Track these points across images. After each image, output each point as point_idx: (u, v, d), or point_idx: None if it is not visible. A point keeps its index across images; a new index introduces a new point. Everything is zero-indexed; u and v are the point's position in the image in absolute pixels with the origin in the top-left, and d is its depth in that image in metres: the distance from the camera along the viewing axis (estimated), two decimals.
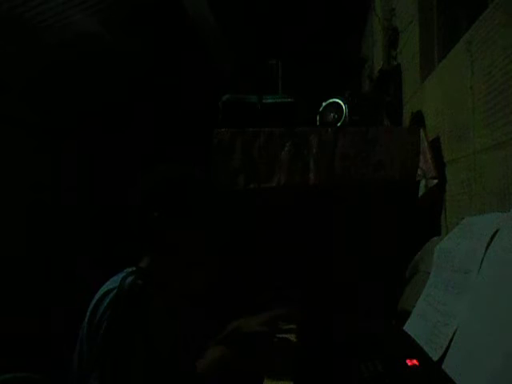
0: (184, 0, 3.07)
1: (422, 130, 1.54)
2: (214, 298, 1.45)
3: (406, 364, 0.84)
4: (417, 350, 0.89)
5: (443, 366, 0.79)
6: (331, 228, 1.59)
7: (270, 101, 1.71)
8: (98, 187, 3.52)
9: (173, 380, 0.96)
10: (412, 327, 1.02)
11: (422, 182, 1.52)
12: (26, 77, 2.94)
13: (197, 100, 3.56)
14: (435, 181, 1.46)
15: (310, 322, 1.24)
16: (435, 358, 0.82)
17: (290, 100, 1.72)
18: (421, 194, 1.53)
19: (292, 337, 1.21)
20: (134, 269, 1.01)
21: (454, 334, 0.80)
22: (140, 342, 0.88)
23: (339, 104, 1.72)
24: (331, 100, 1.75)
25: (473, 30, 1.20)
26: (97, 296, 0.96)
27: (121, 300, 0.91)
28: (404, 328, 1.04)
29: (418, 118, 1.76)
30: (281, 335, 1.21)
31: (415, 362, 0.84)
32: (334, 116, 1.72)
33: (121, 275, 0.97)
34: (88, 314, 0.94)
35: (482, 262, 0.82)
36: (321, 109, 1.77)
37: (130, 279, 0.94)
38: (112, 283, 0.96)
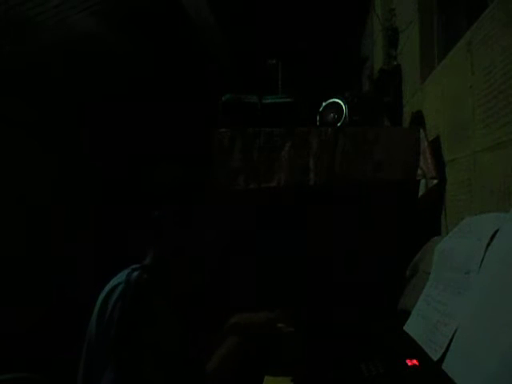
0: (184, 0, 3.07)
1: (421, 130, 1.54)
2: (214, 297, 1.45)
3: (406, 364, 0.84)
4: (417, 350, 0.89)
5: (443, 366, 0.79)
6: (331, 228, 1.59)
7: (269, 101, 1.71)
8: (98, 187, 3.52)
9: (183, 370, 0.97)
10: (412, 327, 1.02)
11: (422, 182, 1.52)
12: (25, 77, 2.94)
13: (197, 100, 3.56)
14: (435, 181, 1.46)
15: (310, 322, 1.25)
16: (435, 358, 0.82)
17: (290, 100, 1.72)
18: (421, 194, 1.53)
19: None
20: (138, 266, 1.03)
21: (454, 334, 0.80)
22: (151, 332, 0.91)
23: (339, 104, 1.72)
24: (331, 100, 1.75)
25: (473, 30, 1.20)
26: (104, 292, 0.98)
27: (130, 292, 0.94)
28: (404, 328, 1.04)
29: (418, 118, 1.76)
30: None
31: (415, 362, 0.84)
32: (334, 116, 1.72)
33: (126, 271, 1.00)
34: (97, 308, 0.97)
35: (481, 261, 0.82)
36: (321, 109, 1.77)
37: (135, 274, 0.98)
38: (118, 279, 0.99)
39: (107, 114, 3.60)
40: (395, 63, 2.23)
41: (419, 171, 1.50)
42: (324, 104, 1.77)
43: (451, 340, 0.80)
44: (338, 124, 1.69)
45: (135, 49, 3.39)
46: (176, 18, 3.30)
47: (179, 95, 3.79)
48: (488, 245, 0.82)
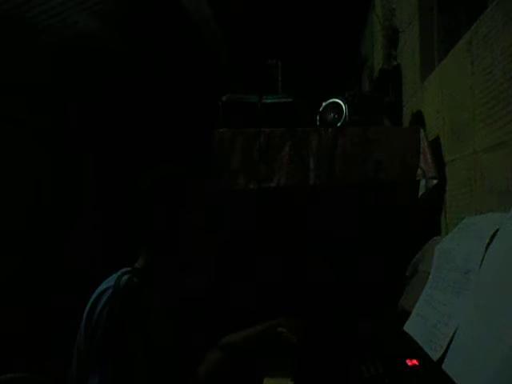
0: (184, 0, 3.07)
1: (421, 130, 1.54)
2: (213, 298, 1.45)
3: (406, 364, 0.84)
4: (417, 350, 0.89)
5: (443, 366, 0.79)
6: (331, 228, 1.59)
7: (269, 101, 1.71)
8: (97, 186, 3.52)
9: (170, 376, 0.96)
10: (412, 327, 1.02)
11: (422, 182, 1.52)
12: (25, 77, 2.94)
13: (197, 100, 3.56)
14: (435, 181, 1.46)
15: (310, 323, 1.24)
16: (435, 358, 0.82)
17: (290, 100, 1.72)
18: (421, 194, 1.53)
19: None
20: (129, 269, 1.02)
21: (454, 333, 0.80)
22: (139, 337, 0.89)
23: (339, 104, 1.72)
24: (331, 100, 1.75)
25: (473, 30, 1.20)
26: (93, 296, 0.97)
27: (118, 297, 0.92)
28: (404, 328, 1.04)
29: (418, 118, 1.76)
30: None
31: (415, 362, 0.84)
32: (334, 116, 1.72)
33: (115, 275, 0.98)
34: (85, 314, 0.95)
35: (481, 261, 0.82)
36: (321, 109, 1.77)
37: (125, 277, 0.96)
38: (107, 283, 0.97)
39: (107, 114, 3.60)
40: (395, 63, 2.23)
41: (419, 171, 1.50)
42: (324, 104, 1.77)
43: (451, 340, 0.80)
44: (338, 124, 1.69)
45: (135, 48, 3.39)
46: (176, 18, 3.30)
47: (179, 95, 3.79)
48: (488, 245, 0.82)
